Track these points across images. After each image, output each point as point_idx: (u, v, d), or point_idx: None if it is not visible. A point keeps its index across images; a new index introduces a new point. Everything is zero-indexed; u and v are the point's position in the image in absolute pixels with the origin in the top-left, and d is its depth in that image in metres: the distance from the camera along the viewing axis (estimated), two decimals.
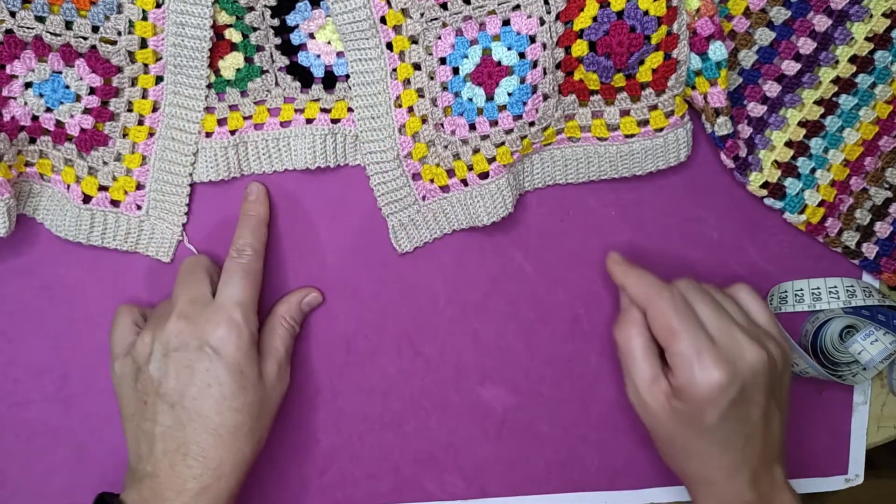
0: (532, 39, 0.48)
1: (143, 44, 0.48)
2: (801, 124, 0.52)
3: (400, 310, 0.54)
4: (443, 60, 0.49)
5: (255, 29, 0.49)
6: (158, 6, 0.47)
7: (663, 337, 0.46)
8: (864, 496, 0.65)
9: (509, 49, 0.48)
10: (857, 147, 0.52)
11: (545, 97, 0.49)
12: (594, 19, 0.47)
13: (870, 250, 0.54)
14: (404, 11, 0.48)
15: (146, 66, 0.49)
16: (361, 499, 0.55)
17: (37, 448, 0.54)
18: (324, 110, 0.51)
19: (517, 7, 0.47)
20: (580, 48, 0.48)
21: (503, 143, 0.50)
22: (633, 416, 0.55)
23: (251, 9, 0.48)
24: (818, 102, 0.52)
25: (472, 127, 0.49)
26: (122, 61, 0.48)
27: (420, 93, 0.50)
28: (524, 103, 0.49)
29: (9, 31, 0.47)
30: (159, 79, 0.49)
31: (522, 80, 0.48)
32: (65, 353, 0.53)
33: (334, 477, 0.55)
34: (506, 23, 0.48)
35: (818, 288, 0.53)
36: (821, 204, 0.53)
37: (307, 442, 0.54)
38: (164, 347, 0.46)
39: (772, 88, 0.51)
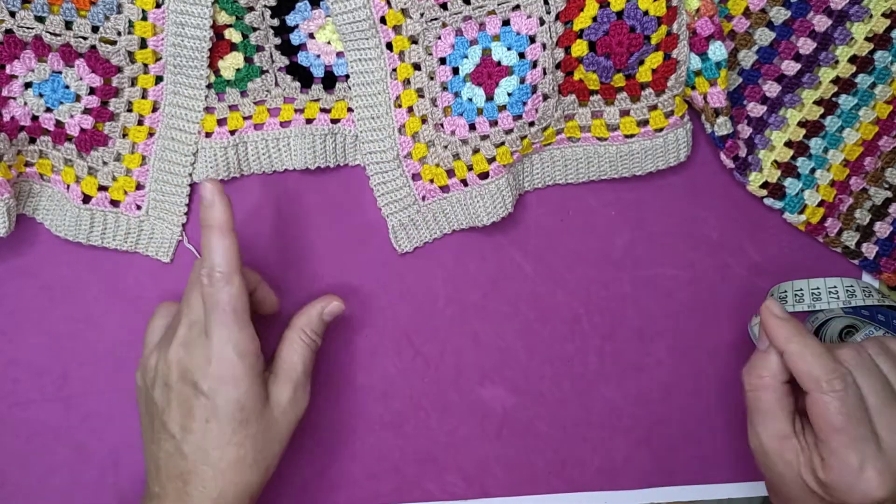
0: (532, 39, 0.48)
1: (143, 44, 0.48)
2: (801, 124, 0.52)
3: (400, 310, 0.54)
4: (443, 60, 0.49)
5: (254, 29, 0.49)
6: (158, 6, 0.47)
7: (823, 428, 0.42)
8: None
9: (509, 49, 0.48)
10: (856, 147, 0.52)
11: (545, 97, 0.49)
12: (594, 19, 0.47)
13: (869, 250, 0.54)
14: (404, 11, 0.48)
15: (146, 66, 0.49)
16: (361, 499, 0.55)
17: (37, 448, 0.53)
18: (324, 110, 0.51)
19: (517, 7, 0.47)
20: (580, 48, 0.48)
21: (503, 143, 0.50)
22: (633, 416, 0.55)
23: (251, 9, 0.48)
24: (818, 102, 0.52)
25: (472, 127, 0.49)
26: (122, 61, 0.48)
27: (420, 93, 0.50)
28: (524, 103, 0.49)
29: (9, 31, 0.47)
30: (159, 79, 0.49)
31: (522, 80, 0.48)
32: (65, 353, 0.53)
33: (334, 477, 0.55)
34: (505, 23, 0.48)
35: (818, 288, 0.53)
36: (820, 204, 0.53)
37: (307, 442, 0.54)
38: (165, 377, 0.45)
39: (772, 88, 0.51)
